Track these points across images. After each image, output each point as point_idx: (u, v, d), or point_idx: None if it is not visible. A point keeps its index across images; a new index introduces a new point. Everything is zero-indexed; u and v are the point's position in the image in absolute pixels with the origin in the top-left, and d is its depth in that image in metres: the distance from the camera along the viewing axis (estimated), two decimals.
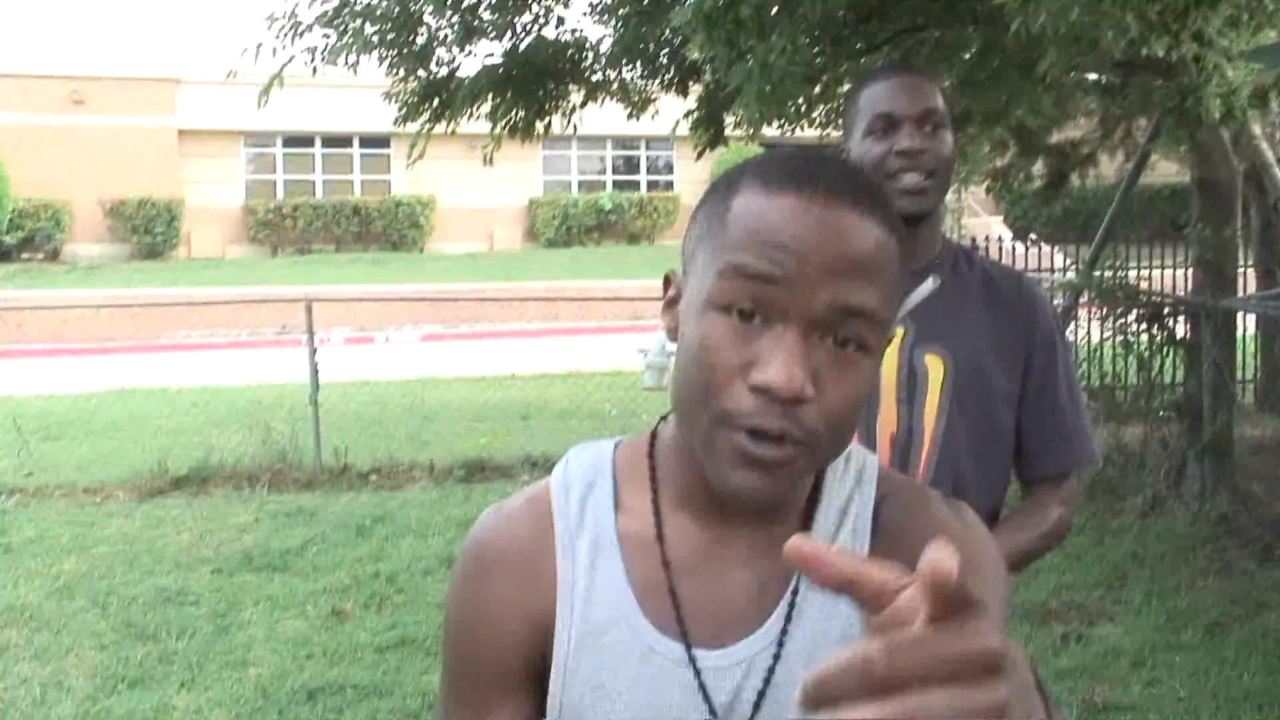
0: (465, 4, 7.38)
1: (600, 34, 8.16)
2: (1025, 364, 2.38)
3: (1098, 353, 8.64)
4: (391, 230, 35.56)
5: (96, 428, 12.21)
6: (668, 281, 1.27)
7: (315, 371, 10.40)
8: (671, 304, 1.25)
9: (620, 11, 7.51)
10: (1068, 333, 9.44)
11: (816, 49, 6.40)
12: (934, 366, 2.32)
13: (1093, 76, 9.72)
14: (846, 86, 8.50)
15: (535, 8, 7.68)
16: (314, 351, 10.48)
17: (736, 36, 4.64)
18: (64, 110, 33.77)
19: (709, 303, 1.15)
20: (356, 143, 37.11)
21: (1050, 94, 7.93)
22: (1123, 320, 8.08)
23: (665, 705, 1.21)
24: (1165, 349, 8.12)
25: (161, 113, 34.59)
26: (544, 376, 14.92)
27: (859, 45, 7.14)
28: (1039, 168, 13.17)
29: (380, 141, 36.09)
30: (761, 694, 1.21)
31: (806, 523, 1.27)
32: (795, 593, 1.23)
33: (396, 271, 29.75)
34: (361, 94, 28.61)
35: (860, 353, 1.14)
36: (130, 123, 34.08)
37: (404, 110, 8.04)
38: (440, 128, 8.10)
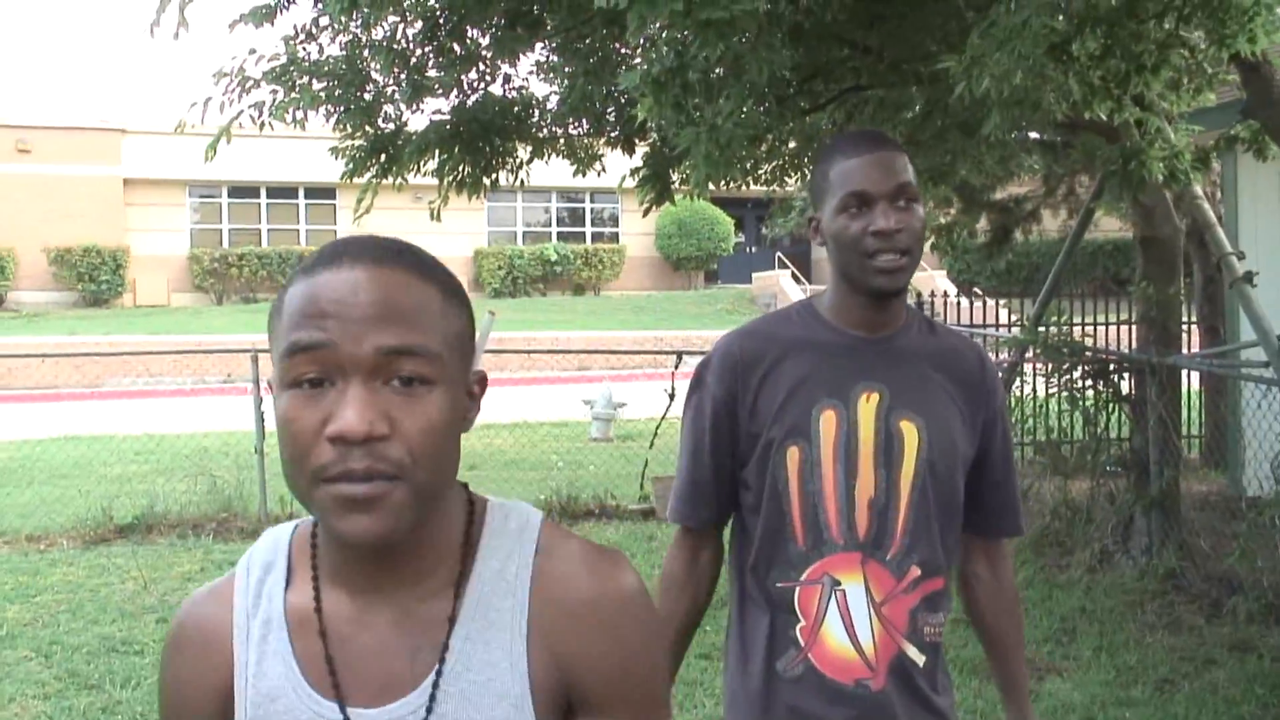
0: (413, 62, 7.39)
1: (546, 91, 8.20)
2: (984, 434, 2.44)
3: (1044, 408, 8.71)
4: None
5: (40, 475, 12.05)
6: (271, 386, 1.35)
7: (261, 420, 10.32)
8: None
9: (566, 70, 7.54)
10: (1013, 388, 9.54)
11: (762, 108, 6.46)
12: (909, 433, 2.34)
13: (1035, 135, 9.86)
14: (792, 144, 8.59)
15: (482, 65, 7.69)
16: (260, 400, 10.41)
17: (684, 100, 4.67)
18: (9, 159, 33.56)
19: (280, 384, 1.28)
20: (302, 193, 37.07)
21: (994, 153, 8.02)
22: (1068, 376, 8.15)
23: None
24: (1111, 405, 8.20)
25: (107, 162, 34.44)
26: (490, 426, 14.84)
27: (804, 104, 7.20)
28: (983, 223, 13.31)
29: (326, 192, 36.07)
30: None
31: (458, 587, 1.37)
32: (443, 657, 1.34)
33: None
34: (307, 145, 28.61)
35: (425, 386, 1.27)
36: (76, 171, 33.92)
37: (350, 165, 8.03)
38: (387, 181, 8.10)
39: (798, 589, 2.33)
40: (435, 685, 1.34)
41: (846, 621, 2.32)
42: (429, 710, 1.33)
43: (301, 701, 1.36)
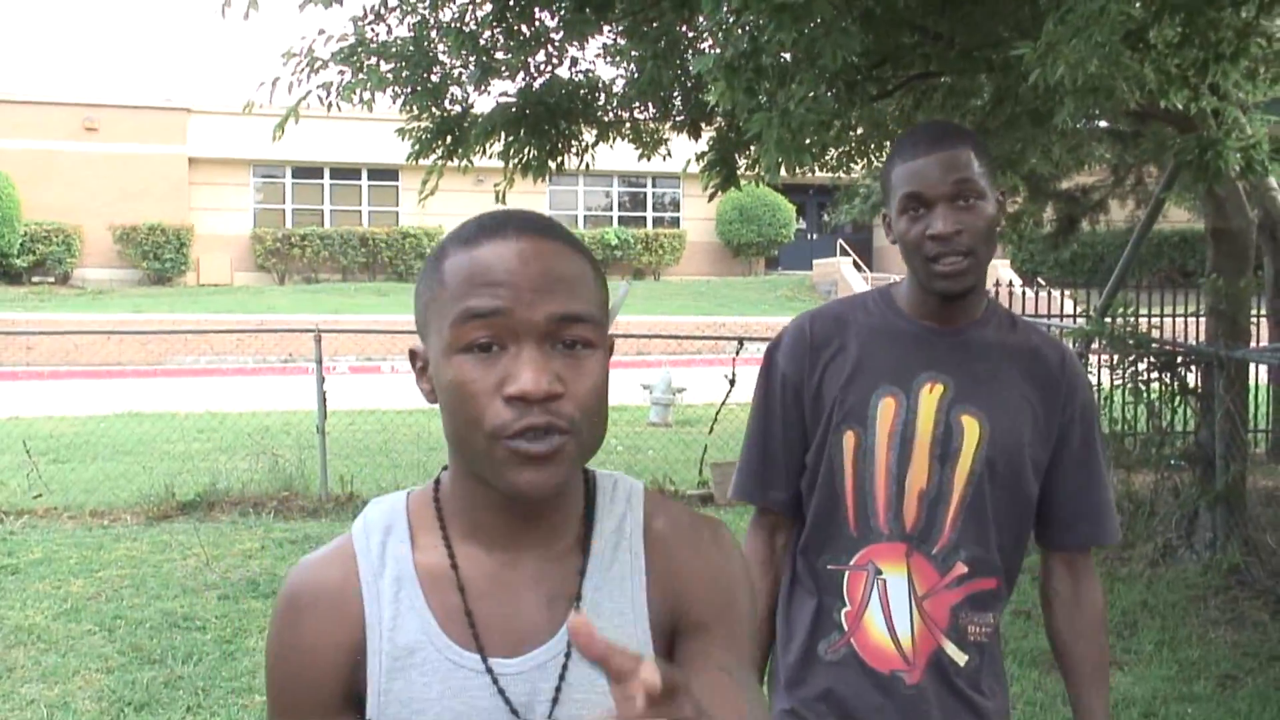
0: (481, 43, 7.40)
1: (612, 75, 8.19)
2: (1059, 437, 2.35)
3: (1108, 400, 8.63)
4: (398, 261, 35.68)
5: (104, 451, 12.22)
6: (414, 355, 1.44)
7: (323, 400, 10.40)
8: (423, 372, 1.43)
9: (634, 54, 7.54)
10: None
11: (832, 93, 6.43)
12: (970, 427, 2.28)
13: (1106, 125, 9.76)
14: (859, 130, 8.55)
15: (550, 48, 7.70)
16: (322, 380, 10.49)
17: (757, 85, 4.66)
18: (77, 137, 33.97)
19: (450, 349, 1.35)
20: (365, 174, 37.27)
21: (1064, 142, 7.95)
22: (1134, 368, 8.07)
23: (472, 710, 1.40)
24: (1177, 398, 8.11)
25: (172, 141, 34.78)
26: None
27: (872, 90, 7.16)
28: (1049, 213, 13.19)
29: (389, 174, 36.25)
30: (559, 689, 1.41)
31: (584, 545, 1.46)
32: (578, 602, 1.44)
33: (402, 302, 29.78)
34: (371, 126, 28.79)
35: (587, 350, 1.37)
36: (141, 150, 34.29)
37: (416, 147, 8.06)
38: (453, 164, 8.13)
39: (847, 573, 2.32)
40: None
41: (885, 611, 2.30)
42: (568, 654, 1.41)
43: (440, 653, 1.41)
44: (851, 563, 2.32)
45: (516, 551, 1.44)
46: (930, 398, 2.29)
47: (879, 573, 2.30)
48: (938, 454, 2.28)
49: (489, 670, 1.41)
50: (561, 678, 1.41)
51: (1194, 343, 9.01)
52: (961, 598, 2.30)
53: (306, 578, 1.47)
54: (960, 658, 2.31)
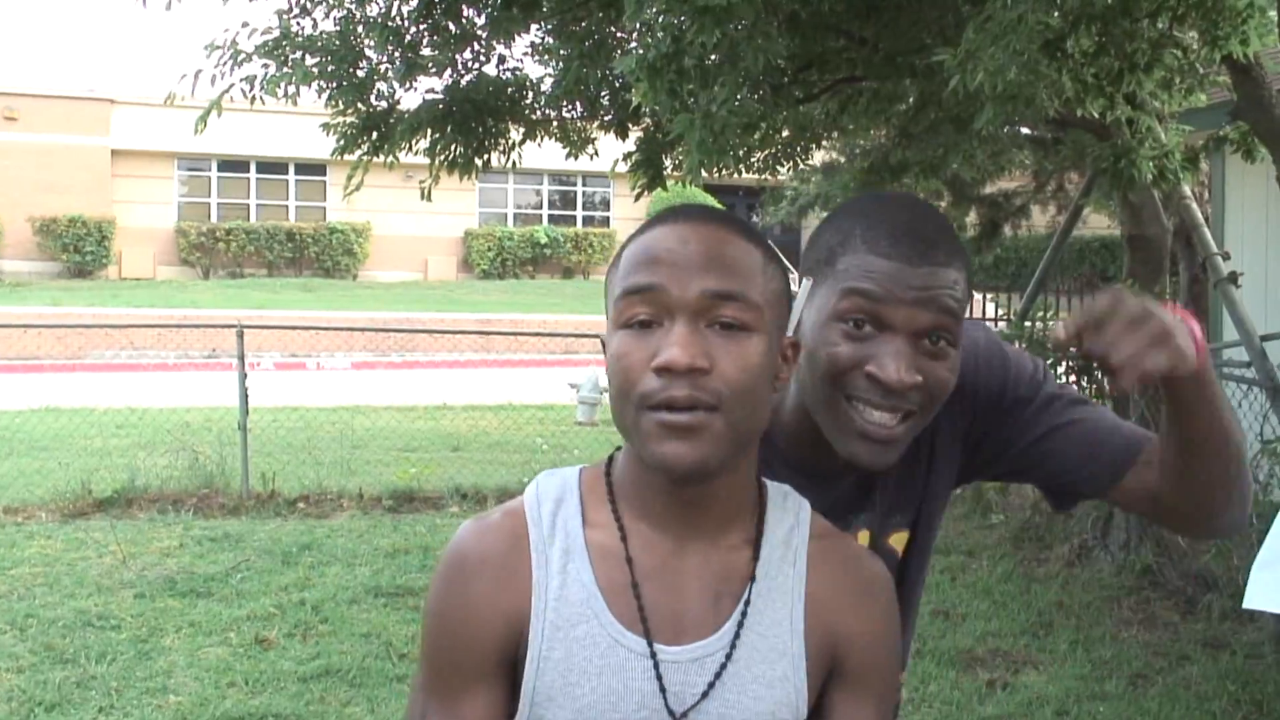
0: (407, 39, 7.38)
1: (540, 73, 8.21)
2: (971, 450, 1.88)
3: None
4: (325, 257, 35.38)
5: (19, 447, 12.01)
6: (603, 343, 1.47)
7: (245, 396, 10.31)
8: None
9: (561, 53, 7.55)
10: None
11: (757, 97, 6.47)
12: (898, 543, 1.87)
13: (1027, 131, 9.89)
14: (785, 133, 8.61)
15: (477, 45, 7.69)
16: (244, 376, 10.39)
17: (679, 86, 4.69)
18: None
19: (614, 324, 1.42)
20: (292, 169, 36.93)
21: (986, 147, 8.06)
22: (1052, 371, 8.17)
23: (626, 691, 1.41)
24: (1095, 401, 8.22)
25: (95, 132, 34.27)
26: (475, 408, 14.88)
27: (798, 94, 7.22)
28: (972, 217, 13.35)
29: (316, 169, 35.93)
30: (711, 685, 1.42)
31: (755, 547, 1.47)
32: (747, 606, 1.44)
33: (329, 298, 29.59)
34: (299, 121, 28.53)
35: (744, 332, 1.39)
36: (63, 141, 33.74)
37: (342, 142, 8.02)
38: (378, 159, 8.10)
39: None
40: (737, 632, 1.44)
41: None
42: (728, 657, 1.43)
43: (604, 630, 1.43)
44: None
45: (684, 538, 1.46)
46: (862, 539, 1.83)
47: None
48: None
49: (653, 655, 1.42)
50: (717, 675, 1.42)
51: None
52: None
53: (476, 541, 1.49)
54: None
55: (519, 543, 1.47)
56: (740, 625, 1.44)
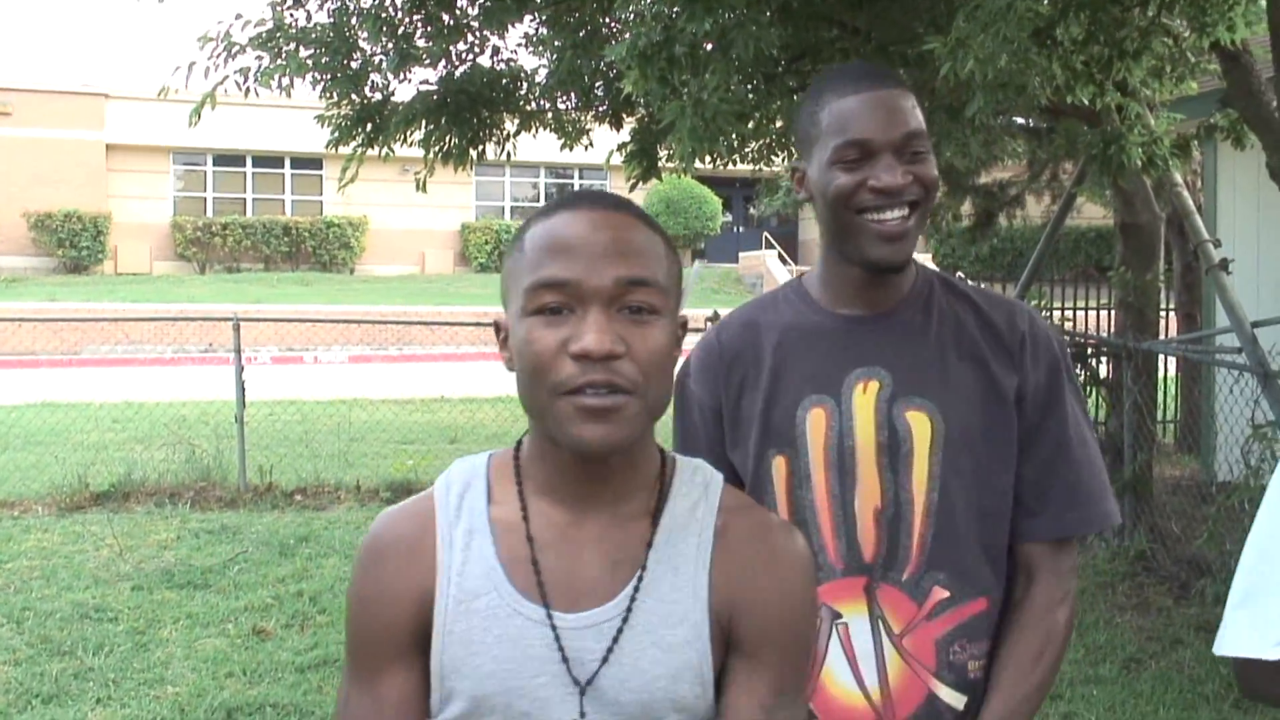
0: (401, 31, 7.39)
1: (534, 64, 8.21)
2: (1022, 408, 1.95)
3: None
4: (322, 251, 35.38)
5: (16, 441, 12.02)
6: (497, 327, 1.54)
7: (242, 390, 10.32)
8: (504, 343, 1.52)
9: (555, 43, 7.56)
10: None
11: (749, 86, 6.48)
12: (919, 424, 1.91)
13: (1020, 120, 9.90)
14: (779, 123, 8.62)
15: (470, 36, 7.69)
16: (241, 370, 10.41)
17: (670, 74, 4.71)
18: None
19: (522, 313, 1.45)
20: (288, 163, 36.91)
21: (978, 136, 8.07)
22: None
23: (527, 658, 1.46)
24: (1088, 388, 8.26)
25: (89, 126, 34.24)
26: (472, 400, 14.90)
27: (791, 84, 7.23)
28: (967, 207, 13.37)
29: (312, 162, 35.93)
30: (610, 651, 1.46)
31: (654, 517, 1.52)
32: (643, 572, 1.49)
33: (326, 292, 29.58)
34: (294, 114, 28.50)
35: (652, 315, 1.44)
36: (57, 135, 33.72)
37: (336, 134, 8.02)
38: (373, 152, 8.10)
39: None
40: (633, 598, 1.48)
41: (851, 660, 1.92)
42: (624, 620, 1.47)
43: (504, 600, 1.48)
44: None
45: (584, 510, 1.51)
46: (866, 398, 1.92)
47: (838, 616, 1.92)
48: (886, 463, 1.91)
49: (550, 619, 1.46)
50: (615, 640, 1.46)
51: (1105, 335, 9.17)
52: (950, 628, 1.91)
53: (387, 527, 1.55)
54: (957, 700, 1.92)
55: (427, 525, 1.53)
56: (636, 590, 1.47)
